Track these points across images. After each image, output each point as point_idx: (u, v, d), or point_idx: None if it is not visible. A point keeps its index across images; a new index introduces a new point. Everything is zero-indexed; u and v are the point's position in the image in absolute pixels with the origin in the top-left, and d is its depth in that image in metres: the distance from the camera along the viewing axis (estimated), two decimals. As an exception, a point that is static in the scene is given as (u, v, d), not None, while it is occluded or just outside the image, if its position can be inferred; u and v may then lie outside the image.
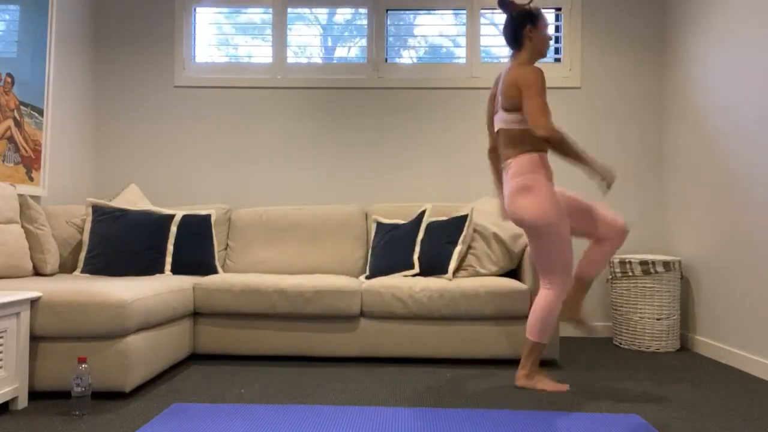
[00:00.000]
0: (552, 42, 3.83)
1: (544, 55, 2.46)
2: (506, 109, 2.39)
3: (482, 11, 3.85)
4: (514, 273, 3.19)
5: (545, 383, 2.40)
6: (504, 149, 2.45)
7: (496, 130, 2.50)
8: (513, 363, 2.90)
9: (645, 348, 3.28)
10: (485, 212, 3.25)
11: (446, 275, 2.93)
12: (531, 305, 2.83)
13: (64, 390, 2.17)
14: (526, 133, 2.37)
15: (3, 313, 1.95)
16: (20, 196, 2.87)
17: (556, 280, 2.37)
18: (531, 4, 2.60)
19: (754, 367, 2.73)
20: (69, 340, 2.17)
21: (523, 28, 2.40)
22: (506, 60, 3.86)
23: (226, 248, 3.51)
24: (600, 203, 2.46)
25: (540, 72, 2.30)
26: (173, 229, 3.12)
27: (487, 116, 2.59)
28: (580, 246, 3.69)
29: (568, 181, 3.77)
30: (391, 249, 3.15)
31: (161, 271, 3.03)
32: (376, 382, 2.51)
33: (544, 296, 2.38)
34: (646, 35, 3.80)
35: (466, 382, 2.52)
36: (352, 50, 3.93)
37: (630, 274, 3.31)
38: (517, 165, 2.37)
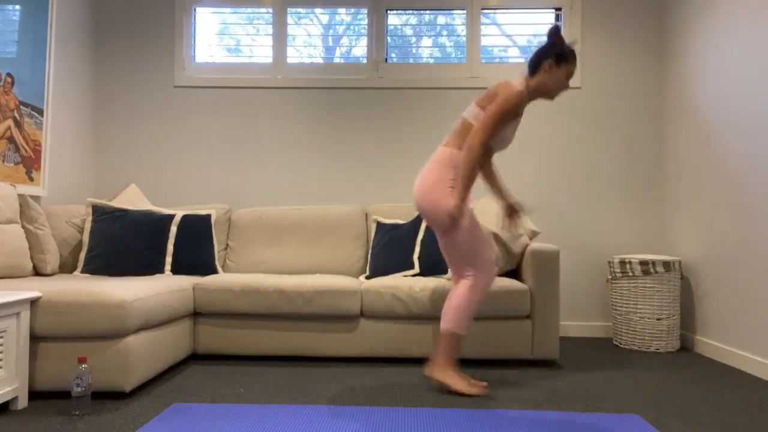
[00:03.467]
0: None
1: (550, 96, 2.39)
2: (477, 103, 2.40)
3: (482, 11, 3.85)
4: (514, 273, 3.19)
5: (459, 383, 2.32)
6: (450, 134, 2.46)
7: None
8: (514, 363, 2.90)
9: (645, 348, 3.28)
10: (485, 212, 3.25)
11: (446, 275, 2.93)
12: (531, 305, 2.83)
13: (64, 390, 2.17)
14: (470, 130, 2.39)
15: (3, 313, 1.95)
16: (20, 196, 2.87)
17: (473, 270, 2.35)
18: (574, 46, 2.53)
19: (754, 367, 2.73)
20: (69, 340, 2.17)
21: (545, 59, 2.35)
22: (506, 59, 3.86)
23: (226, 248, 3.51)
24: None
25: (518, 97, 2.29)
26: (173, 229, 3.12)
27: None
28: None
29: (560, 181, 3.77)
30: (391, 249, 3.15)
31: (161, 271, 3.03)
32: (376, 382, 2.51)
33: (462, 284, 2.36)
34: (646, 35, 3.80)
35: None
36: (352, 50, 3.93)
37: (630, 274, 3.31)
38: (441, 154, 2.41)
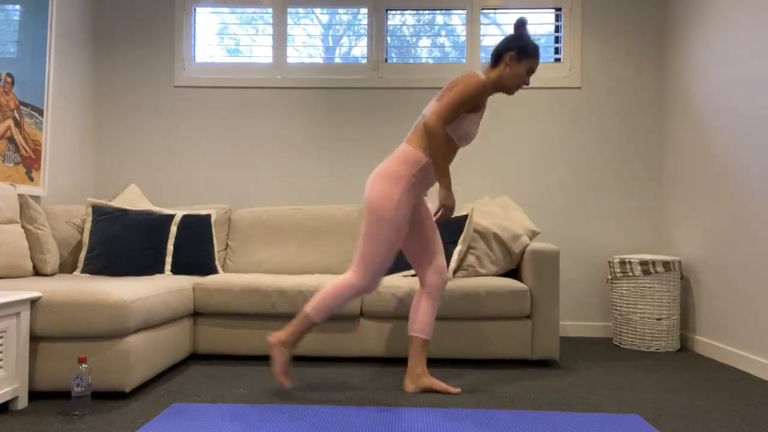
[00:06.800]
0: (552, 46, 3.84)
1: (508, 91, 2.35)
2: (436, 98, 2.33)
3: (482, 11, 3.85)
4: (514, 273, 3.19)
5: (280, 366, 2.29)
6: (411, 131, 2.40)
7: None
8: (514, 363, 2.90)
9: (645, 348, 3.28)
10: (485, 212, 3.25)
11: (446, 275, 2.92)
12: (531, 305, 2.83)
13: (64, 390, 2.17)
14: None
15: (3, 313, 1.95)
16: (20, 196, 2.87)
17: (359, 270, 2.29)
18: (537, 42, 2.50)
19: (754, 367, 2.73)
20: (69, 340, 2.17)
21: (507, 51, 2.30)
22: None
23: (226, 248, 3.51)
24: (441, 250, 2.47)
25: (480, 86, 2.22)
26: (173, 229, 3.12)
27: None
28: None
29: (560, 181, 3.77)
30: (391, 249, 3.15)
31: (161, 271, 3.03)
32: (376, 382, 2.51)
33: (342, 278, 2.31)
34: (646, 36, 3.80)
35: (466, 382, 2.52)
36: (352, 50, 3.93)
37: (630, 274, 3.31)
38: (402, 150, 2.33)
